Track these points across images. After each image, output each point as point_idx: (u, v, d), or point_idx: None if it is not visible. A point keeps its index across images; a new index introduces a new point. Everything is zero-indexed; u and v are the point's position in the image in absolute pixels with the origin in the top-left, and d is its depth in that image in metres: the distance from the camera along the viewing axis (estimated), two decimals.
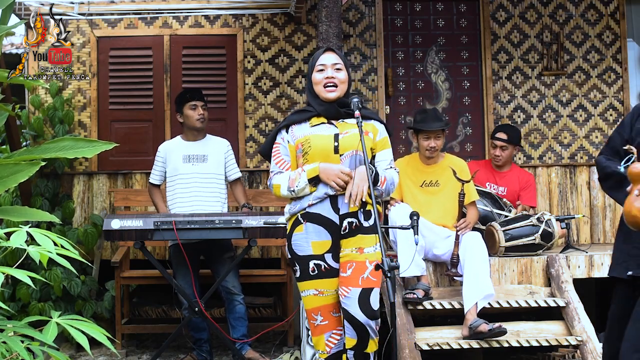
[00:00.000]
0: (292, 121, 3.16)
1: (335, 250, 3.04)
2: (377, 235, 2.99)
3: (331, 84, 3.08)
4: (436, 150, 4.39)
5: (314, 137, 3.07)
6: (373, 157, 3.14)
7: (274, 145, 3.17)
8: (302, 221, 3.05)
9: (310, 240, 3.03)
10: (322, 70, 3.11)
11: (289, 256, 3.12)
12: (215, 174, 4.71)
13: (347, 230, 3.02)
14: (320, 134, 3.08)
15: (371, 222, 3.03)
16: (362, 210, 3.03)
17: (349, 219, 3.02)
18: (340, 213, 3.02)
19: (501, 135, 5.07)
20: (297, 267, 3.06)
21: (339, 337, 3.05)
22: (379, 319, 3.04)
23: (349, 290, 2.97)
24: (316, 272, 3.03)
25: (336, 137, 3.05)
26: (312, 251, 3.03)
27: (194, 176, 4.65)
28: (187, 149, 4.73)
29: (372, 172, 2.98)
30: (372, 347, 3.01)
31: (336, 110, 3.11)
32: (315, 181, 3.01)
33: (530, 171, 5.93)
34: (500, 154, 5.04)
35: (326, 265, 3.03)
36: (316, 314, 3.05)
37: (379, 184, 3.03)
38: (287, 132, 3.16)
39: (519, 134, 5.21)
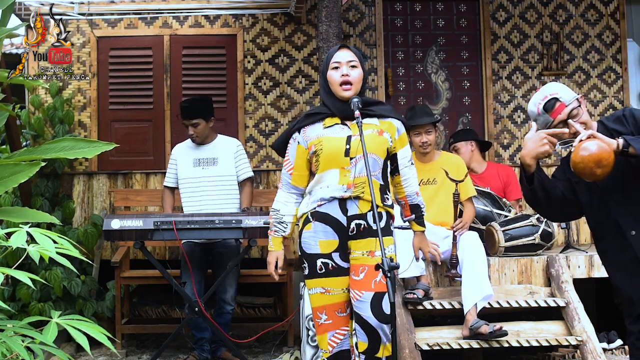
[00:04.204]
0: (304, 124, 3.14)
1: (343, 249, 3.04)
2: (390, 237, 3.05)
3: (346, 82, 3.06)
4: (429, 146, 4.38)
5: (326, 139, 3.05)
6: (393, 155, 3.12)
7: (288, 145, 3.19)
8: (311, 220, 3.05)
9: (317, 239, 3.03)
10: (337, 67, 3.09)
11: (299, 254, 3.13)
12: (227, 176, 4.70)
13: (354, 232, 3.01)
14: (333, 136, 3.05)
15: (382, 224, 3.01)
16: (370, 212, 3.02)
17: (357, 221, 3.00)
18: (348, 214, 3.01)
19: (450, 140, 5.13)
20: (306, 265, 3.07)
21: (341, 337, 3.04)
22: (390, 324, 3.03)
23: (361, 294, 2.97)
24: (323, 270, 3.02)
25: (348, 139, 3.02)
26: (319, 250, 3.03)
27: (204, 180, 4.66)
28: (197, 153, 4.73)
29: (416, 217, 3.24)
30: (383, 352, 2.99)
31: (351, 110, 3.05)
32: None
33: None
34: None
35: (333, 264, 3.03)
36: (321, 312, 3.04)
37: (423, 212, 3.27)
38: (299, 133, 3.14)
39: (468, 132, 5.20)
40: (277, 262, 3.17)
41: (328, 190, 3.02)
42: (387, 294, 2.97)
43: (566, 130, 2.65)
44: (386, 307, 2.97)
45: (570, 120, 2.65)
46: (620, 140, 2.46)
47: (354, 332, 3.06)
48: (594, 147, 2.44)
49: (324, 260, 3.02)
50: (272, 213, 3.18)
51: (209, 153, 4.73)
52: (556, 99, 2.65)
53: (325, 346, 3.05)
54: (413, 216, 3.20)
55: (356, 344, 3.06)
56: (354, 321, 3.05)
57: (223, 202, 4.65)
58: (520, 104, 6.10)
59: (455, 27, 6.17)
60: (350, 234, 3.02)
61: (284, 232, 3.15)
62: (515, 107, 6.10)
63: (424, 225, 3.24)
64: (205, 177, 4.67)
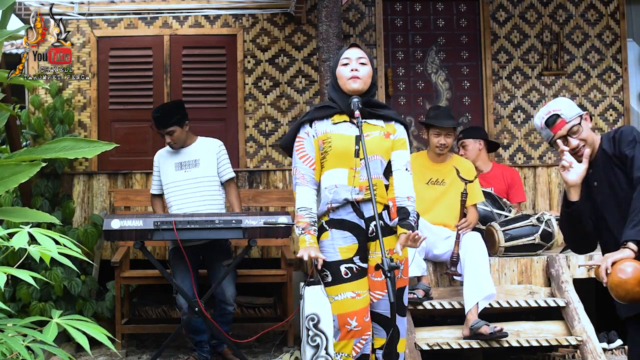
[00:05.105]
0: (314, 117, 3.13)
1: (363, 252, 3.04)
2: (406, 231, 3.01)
3: (355, 77, 3.06)
4: (446, 148, 4.40)
5: (335, 136, 3.05)
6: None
7: (297, 139, 3.14)
8: (327, 228, 3.06)
9: (336, 246, 3.03)
10: (346, 64, 3.10)
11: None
12: (209, 176, 4.63)
13: (374, 234, 3.02)
14: (342, 134, 3.06)
15: (396, 221, 3.03)
16: (386, 210, 3.06)
17: (375, 222, 3.00)
18: (366, 217, 3.02)
19: (459, 135, 5.13)
20: (327, 273, 3.04)
21: (364, 342, 3.04)
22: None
23: (384, 293, 3.00)
24: (349, 274, 3.02)
25: (357, 139, 2.98)
26: (340, 256, 3.02)
27: (187, 183, 4.60)
28: (178, 157, 4.66)
29: (409, 224, 2.96)
30: (401, 346, 3.04)
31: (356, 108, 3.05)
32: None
33: (530, 171, 5.93)
34: (463, 153, 5.02)
35: (357, 267, 3.04)
36: (352, 318, 3.00)
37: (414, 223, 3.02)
38: (310, 126, 3.13)
39: (478, 130, 5.21)
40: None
41: (338, 192, 3.02)
42: (405, 288, 3.09)
43: (577, 140, 2.73)
44: (405, 301, 3.10)
45: (569, 137, 2.75)
46: (633, 246, 2.42)
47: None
48: (629, 268, 2.37)
49: (347, 265, 3.02)
50: (303, 212, 3.02)
51: (190, 155, 4.65)
52: (557, 115, 2.77)
53: (349, 351, 3.03)
54: (396, 220, 3.02)
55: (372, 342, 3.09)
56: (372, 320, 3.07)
57: (208, 203, 4.59)
58: (520, 104, 6.10)
59: (455, 27, 6.17)
60: (370, 235, 3.04)
61: (316, 231, 3.03)
62: (515, 107, 6.10)
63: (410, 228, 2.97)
64: (189, 179, 4.59)
